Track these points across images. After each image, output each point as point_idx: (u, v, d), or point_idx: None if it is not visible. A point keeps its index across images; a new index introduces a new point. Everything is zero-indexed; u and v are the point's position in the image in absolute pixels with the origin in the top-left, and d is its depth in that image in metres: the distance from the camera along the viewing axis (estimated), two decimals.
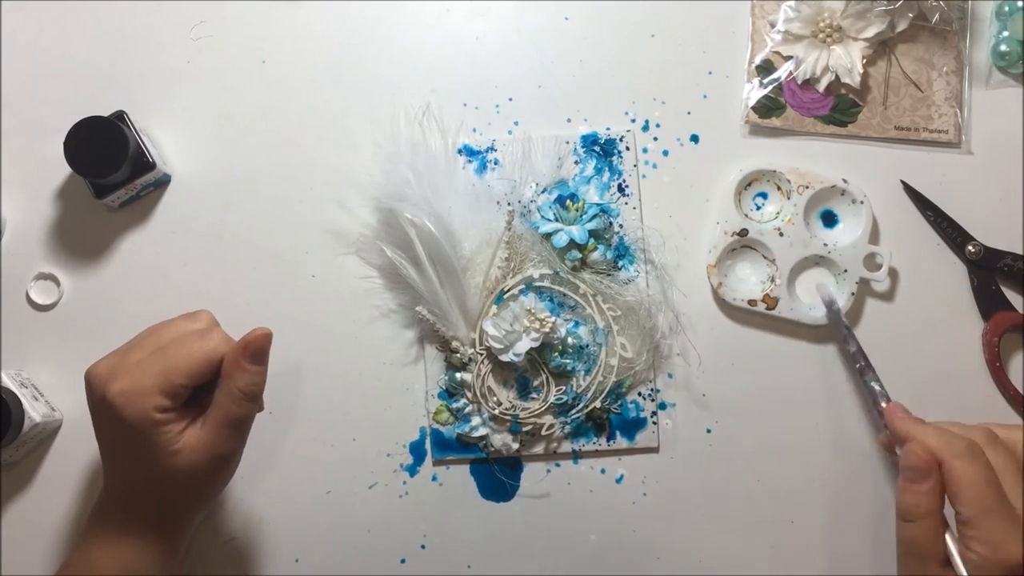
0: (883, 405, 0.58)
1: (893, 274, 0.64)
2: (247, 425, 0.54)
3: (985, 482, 0.49)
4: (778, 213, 0.64)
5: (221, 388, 0.52)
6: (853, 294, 0.62)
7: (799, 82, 0.65)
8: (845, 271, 0.63)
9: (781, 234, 0.63)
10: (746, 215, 0.64)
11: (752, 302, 0.63)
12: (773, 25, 0.65)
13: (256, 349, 0.52)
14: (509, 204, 0.63)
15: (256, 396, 0.53)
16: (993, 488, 0.49)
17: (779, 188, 0.64)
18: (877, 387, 0.59)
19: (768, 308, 0.63)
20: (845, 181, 0.63)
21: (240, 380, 0.51)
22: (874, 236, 0.64)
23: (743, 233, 0.63)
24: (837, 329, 0.62)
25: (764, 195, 0.65)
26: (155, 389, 0.50)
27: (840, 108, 0.65)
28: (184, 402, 0.52)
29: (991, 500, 0.49)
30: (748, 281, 0.64)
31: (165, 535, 0.54)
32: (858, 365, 0.60)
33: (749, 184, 0.65)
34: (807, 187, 0.63)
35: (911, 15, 0.64)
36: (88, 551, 0.53)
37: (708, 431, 0.63)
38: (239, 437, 0.53)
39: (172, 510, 0.54)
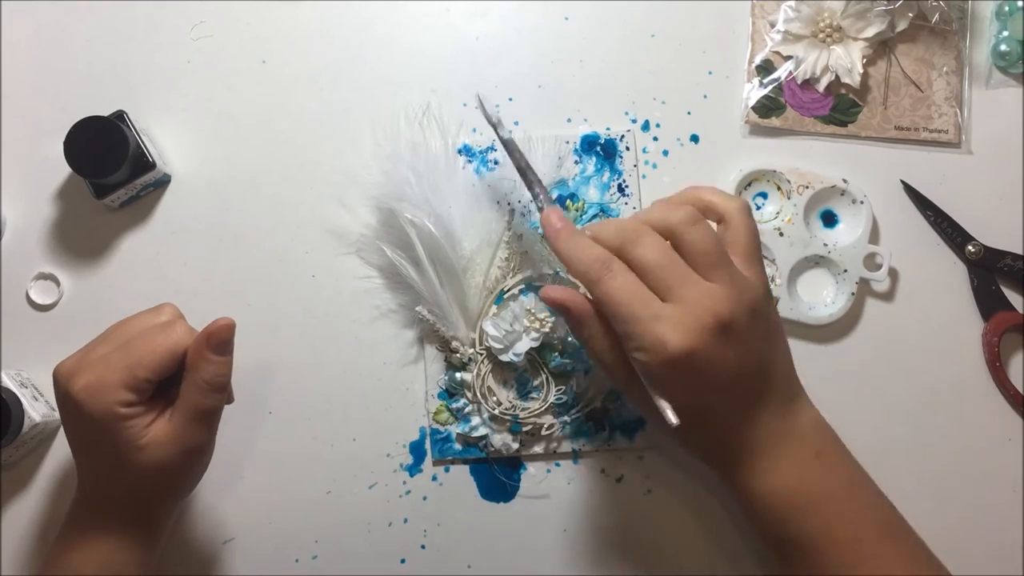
0: (540, 201, 0.53)
1: (893, 274, 0.64)
2: (215, 417, 0.53)
3: (624, 295, 0.48)
4: (778, 213, 0.64)
5: (186, 380, 0.51)
6: (853, 294, 0.62)
7: (799, 82, 0.65)
8: (845, 271, 0.63)
9: (781, 234, 0.63)
10: None
11: None
12: (773, 25, 0.65)
13: (219, 340, 0.51)
14: (509, 204, 0.63)
15: (222, 387, 0.52)
16: (633, 296, 0.48)
17: (779, 188, 0.65)
18: (541, 195, 0.54)
19: None
20: (845, 181, 0.63)
21: (205, 372, 0.51)
22: (874, 236, 0.64)
23: None
24: (507, 149, 0.57)
25: (764, 195, 0.65)
26: (119, 384, 0.49)
27: (840, 108, 0.65)
28: (151, 396, 0.51)
29: (634, 308, 0.48)
30: None
31: (140, 532, 0.53)
32: (527, 178, 0.56)
33: (749, 184, 0.65)
34: (807, 187, 0.63)
35: (911, 15, 0.64)
36: (64, 554, 0.52)
37: None
38: (208, 429, 0.53)
39: (145, 506, 0.53)
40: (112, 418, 0.49)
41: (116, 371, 0.50)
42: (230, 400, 0.56)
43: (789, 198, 0.64)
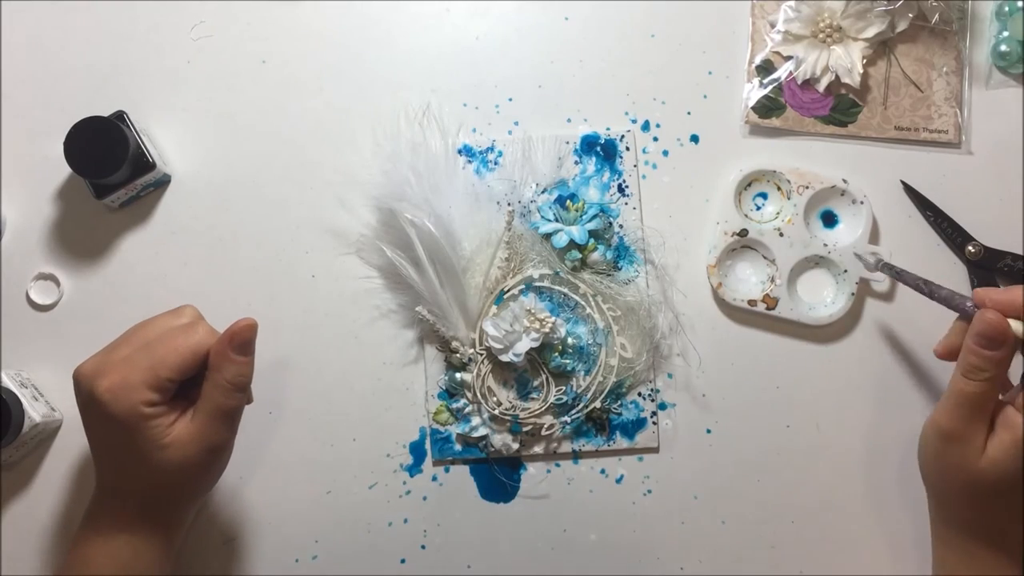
0: (968, 304, 0.54)
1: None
2: (236, 416, 0.54)
3: None
4: (778, 213, 0.64)
5: (209, 380, 0.52)
6: (853, 294, 0.62)
7: (799, 82, 0.65)
8: (845, 271, 0.63)
9: (781, 234, 0.63)
10: (746, 215, 0.64)
11: (752, 302, 0.63)
12: (773, 25, 0.65)
13: (242, 340, 0.52)
14: (509, 204, 0.63)
15: (244, 387, 0.53)
16: None
17: (779, 188, 0.65)
18: (949, 294, 0.56)
19: (768, 308, 0.63)
20: (845, 181, 0.63)
21: (227, 371, 0.52)
22: (874, 236, 0.64)
23: (743, 233, 0.63)
24: (896, 278, 0.60)
25: (764, 195, 0.65)
26: (142, 384, 0.50)
27: (840, 108, 0.65)
28: (172, 396, 0.52)
29: None
30: (748, 281, 0.64)
31: (160, 530, 0.54)
32: (926, 290, 0.57)
33: (749, 184, 0.65)
34: (807, 187, 0.63)
35: (911, 15, 0.64)
36: (84, 551, 0.53)
37: (708, 431, 0.63)
38: (229, 429, 0.53)
39: (165, 505, 0.54)
40: (137, 418, 0.50)
41: (140, 371, 0.50)
42: (249, 400, 0.56)
43: (789, 198, 0.64)
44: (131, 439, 0.50)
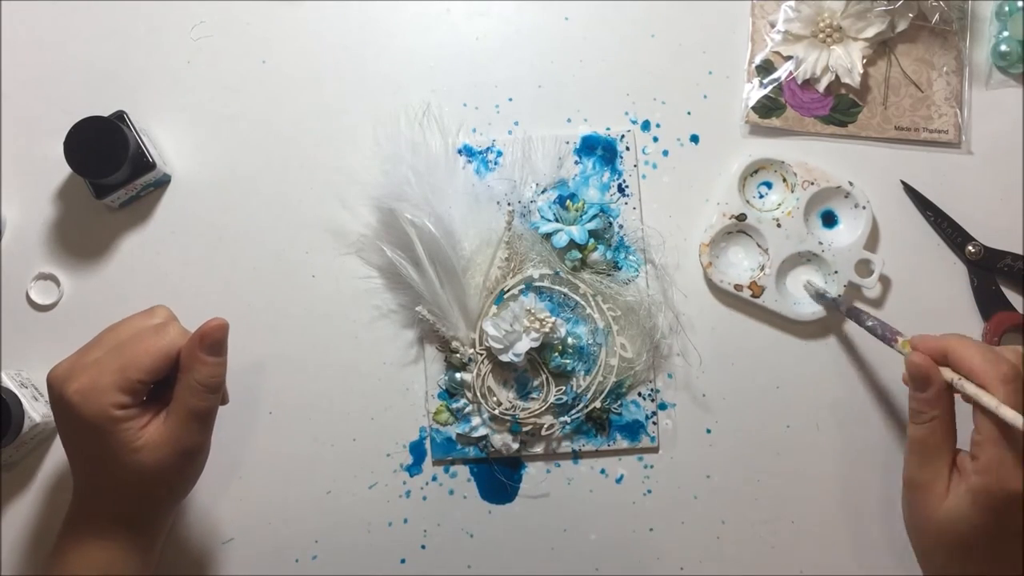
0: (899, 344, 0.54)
1: (889, 278, 0.64)
2: (210, 418, 0.53)
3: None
4: (779, 204, 0.64)
5: (180, 382, 0.51)
6: (840, 296, 0.62)
7: (799, 82, 0.65)
8: (835, 272, 0.63)
9: (779, 225, 0.63)
10: (747, 201, 0.64)
11: (738, 287, 0.63)
12: (773, 25, 0.65)
13: (212, 341, 0.51)
14: (509, 204, 0.63)
15: (216, 388, 0.52)
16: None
17: (784, 180, 0.64)
18: (891, 335, 0.55)
19: (753, 295, 0.62)
20: (851, 184, 0.63)
21: (199, 373, 0.51)
22: (873, 237, 0.64)
23: (741, 218, 0.63)
24: (851, 316, 0.59)
25: (769, 184, 0.65)
26: (113, 386, 0.49)
27: (840, 108, 0.65)
28: (146, 399, 0.51)
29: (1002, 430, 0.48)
30: (739, 266, 0.64)
31: (138, 535, 0.53)
32: (881, 333, 0.56)
33: (756, 172, 0.65)
34: (812, 183, 0.63)
35: (911, 15, 0.64)
36: (63, 559, 0.52)
37: (708, 431, 0.63)
38: (203, 430, 0.53)
39: (142, 509, 0.53)
40: (107, 420, 0.49)
41: (109, 373, 0.49)
42: (224, 401, 0.56)
43: (793, 191, 0.64)
44: (102, 442, 0.50)
